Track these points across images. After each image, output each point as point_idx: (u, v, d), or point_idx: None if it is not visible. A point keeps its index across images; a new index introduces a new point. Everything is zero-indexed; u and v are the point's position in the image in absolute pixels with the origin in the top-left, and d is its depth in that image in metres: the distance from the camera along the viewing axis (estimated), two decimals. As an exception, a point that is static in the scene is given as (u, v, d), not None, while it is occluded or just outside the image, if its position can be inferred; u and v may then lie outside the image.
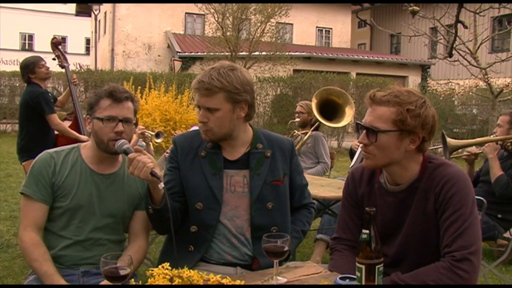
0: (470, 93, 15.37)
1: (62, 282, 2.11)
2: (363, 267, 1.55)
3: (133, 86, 12.62)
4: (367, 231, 1.56)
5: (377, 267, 1.55)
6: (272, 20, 17.13)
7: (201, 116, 2.23)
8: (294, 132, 5.96)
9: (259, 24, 16.71)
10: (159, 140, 5.60)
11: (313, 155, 5.73)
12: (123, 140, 2.22)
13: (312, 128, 5.72)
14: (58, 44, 5.57)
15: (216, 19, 16.54)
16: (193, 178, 2.28)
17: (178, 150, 2.36)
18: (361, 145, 1.99)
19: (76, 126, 5.24)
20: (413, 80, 23.57)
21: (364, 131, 1.96)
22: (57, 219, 2.29)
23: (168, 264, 1.70)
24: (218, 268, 2.23)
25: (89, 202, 2.29)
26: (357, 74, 22.11)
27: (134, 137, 5.22)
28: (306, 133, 5.73)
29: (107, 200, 2.32)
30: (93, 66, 26.24)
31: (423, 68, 24.37)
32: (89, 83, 17.32)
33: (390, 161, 1.97)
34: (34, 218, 2.24)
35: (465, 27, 6.00)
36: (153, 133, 5.43)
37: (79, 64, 21.44)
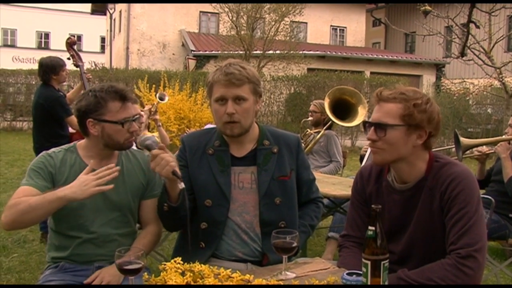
0: (485, 93, 15.26)
1: (58, 191, 2.07)
2: (368, 263, 1.59)
3: (148, 85, 12.72)
4: (373, 228, 1.60)
5: (382, 263, 1.59)
6: (286, 19, 17.15)
7: (229, 108, 2.23)
8: (307, 131, 5.99)
9: (273, 23, 16.73)
10: (164, 101, 5.63)
11: (325, 154, 5.76)
12: (146, 135, 2.23)
13: (325, 127, 5.75)
14: (73, 44, 5.68)
15: (231, 17, 16.58)
16: (201, 175, 2.33)
17: (186, 148, 2.41)
18: (369, 142, 2.04)
19: None
20: (428, 79, 23.46)
21: (372, 127, 2.01)
22: (63, 219, 2.31)
23: (180, 259, 1.76)
24: (229, 264, 2.27)
25: (92, 200, 2.27)
26: (371, 73, 22.06)
27: (144, 117, 5.31)
28: (319, 132, 5.76)
29: (110, 195, 2.32)
30: (108, 64, 26.44)
31: (438, 67, 24.24)
32: (104, 81, 17.45)
33: (398, 156, 2.01)
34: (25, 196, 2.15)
35: (477, 27, 5.99)
36: (155, 103, 5.50)
37: (94, 62, 21.57)
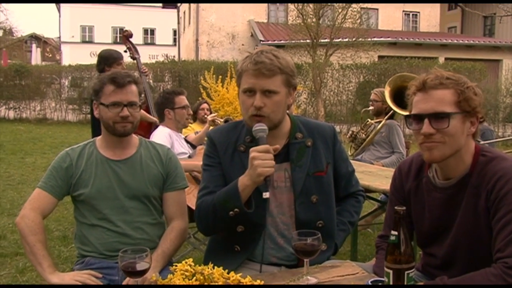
0: None
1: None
2: (390, 272, 1.40)
3: (214, 76, 12.76)
4: (396, 233, 1.40)
5: (406, 272, 1.39)
6: (354, 5, 16.67)
7: (257, 101, 2.02)
8: (368, 121, 5.76)
9: (340, 10, 16.30)
10: None
11: (387, 145, 5.55)
12: (262, 127, 2.03)
13: (387, 117, 5.51)
14: (129, 36, 5.72)
15: (296, 6, 16.31)
16: (236, 175, 2.08)
17: (216, 145, 2.22)
18: (421, 137, 1.78)
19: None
20: (507, 63, 22.09)
21: (426, 119, 1.76)
22: (88, 212, 2.35)
23: (191, 260, 1.64)
24: (262, 267, 2.12)
25: (109, 188, 2.33)
26: (446, 59, 21.12)
27: (206, 125, 5.29)
28: (380, 122, 5.53)
29: (127, 183, 2.35)
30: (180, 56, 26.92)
31: (519, 50, 22.78)
32: (172, 73, 17.80)
33: (458, 148, 1.78)
34: (39, 204, 2.31)
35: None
36: (222, 120, 5.50)
37: (166, 55, 22.05)
